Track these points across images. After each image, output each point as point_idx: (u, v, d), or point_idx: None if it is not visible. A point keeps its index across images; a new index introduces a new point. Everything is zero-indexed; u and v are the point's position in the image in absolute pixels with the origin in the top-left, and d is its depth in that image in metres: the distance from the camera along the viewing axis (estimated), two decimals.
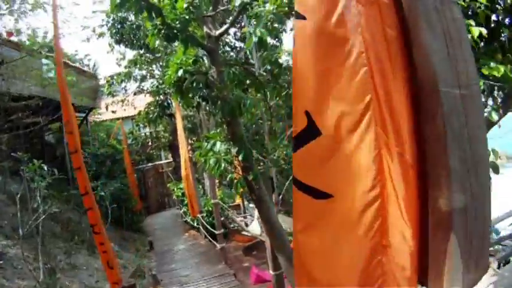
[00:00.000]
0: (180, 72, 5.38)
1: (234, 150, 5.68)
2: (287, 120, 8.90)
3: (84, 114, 20.84)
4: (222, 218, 14.32)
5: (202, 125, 16.69)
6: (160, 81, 17.14)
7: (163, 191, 26.59)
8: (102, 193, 15.00)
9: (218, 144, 5.78)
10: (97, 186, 15.42)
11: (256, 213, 17.90)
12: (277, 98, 6.85)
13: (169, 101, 16.56)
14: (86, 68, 22.29)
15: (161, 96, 16.47)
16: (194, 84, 5.30)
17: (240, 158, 5.60)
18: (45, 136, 19.75)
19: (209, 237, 15.69)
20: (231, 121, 5.77)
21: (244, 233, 15.20)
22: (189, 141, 20.59)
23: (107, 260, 7.80)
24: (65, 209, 14.27)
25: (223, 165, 5.61)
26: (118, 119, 24.34)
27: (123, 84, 22.02)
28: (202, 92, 5.50)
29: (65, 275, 10.18)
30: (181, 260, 14.83)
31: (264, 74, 6.28)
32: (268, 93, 6.58)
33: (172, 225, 20.86)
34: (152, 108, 16.98)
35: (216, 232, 13.73)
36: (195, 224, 17.93)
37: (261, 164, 6.53)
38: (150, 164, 27.20)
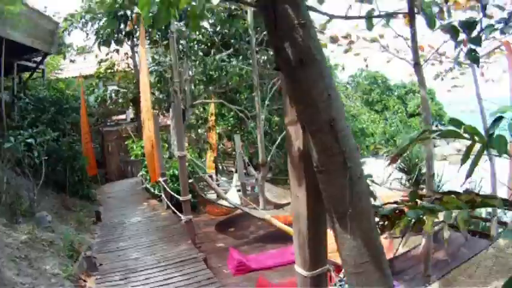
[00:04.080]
0: None
1: None
2: None
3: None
4: (190, 180, 9.80)
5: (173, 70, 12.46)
6: None
7: (126, 158, 22.03)
8: (30, 140, 10.26)
9: None
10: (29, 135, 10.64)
11: (234, 180, 13.74)
12: None
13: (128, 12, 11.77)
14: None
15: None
16: None
17: None
18: None
19: (173, 208, 11.30)
20: None
21: (220, 202, 10.90)
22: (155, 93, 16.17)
23: None
24: None
25: None
26: (82, 77, 19.42)
27: (85, 28, 17.51)
28: None
29: None
30: (132, 236, 10.35)
31: None
32: None
33: (130, 193, 16.33)
34: (105, 24, 12.24)
35: (181, 198, 9.27)
36: (157, 192, 13.48)
37: None
38: (112, 127, 22.51)
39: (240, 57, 15.05)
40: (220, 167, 20.04)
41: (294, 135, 2.78)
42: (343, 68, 19.11)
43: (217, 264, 8.58)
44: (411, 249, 6.83)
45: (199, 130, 18.93)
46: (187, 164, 11.35)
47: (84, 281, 7.62)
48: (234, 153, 17.98)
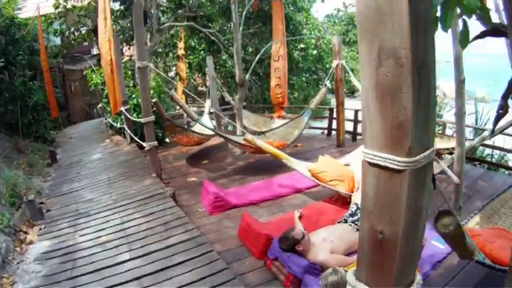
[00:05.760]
0: None
1: None
2: None
3: None
4: (154, 100, 7.85)
5: None
6: None
7: (92, 100, 19.95)
8: None
9: None
10: None
11: (206, 107, 11.84)
12: None
13: None
14: None
15: None
16: None
17: None
18: None
19: (136, 139, 9.51)
20: None
21: (194, 129, 9.21)
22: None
23: None
24: None
25: None
26: (42, 16, 16.75)
27: None
28: None
29: None
30: (89, 175, 8.61)
31: None
32: None
33: (93, 132, 14.44)
34: None
35: (142, 120, 7.43)
36: (119, 125, 11.66)
37: None
38: (75, 66, 20.18)
39: None
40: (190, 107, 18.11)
41: None
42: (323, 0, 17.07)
43: (189, 201, 6.92)
44: (436, 174, 5.25)
45: (166, 59, 16.93)
46: (151, 91, 9.58)
47: (25, 232, 5.93)
48: (205, 89, 16.13)
